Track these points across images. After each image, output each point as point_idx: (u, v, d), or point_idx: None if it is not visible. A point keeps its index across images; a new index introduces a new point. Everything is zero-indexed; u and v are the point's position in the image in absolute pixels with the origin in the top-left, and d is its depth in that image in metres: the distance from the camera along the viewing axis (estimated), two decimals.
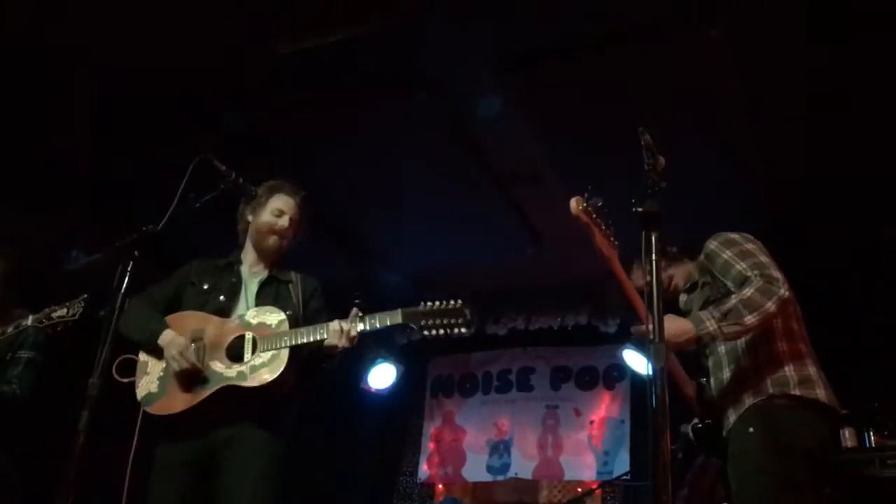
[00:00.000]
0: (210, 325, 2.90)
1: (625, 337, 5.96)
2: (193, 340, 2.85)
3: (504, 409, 6.75)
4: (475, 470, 6.62)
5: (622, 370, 6.34)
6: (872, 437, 4.62)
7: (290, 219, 3.09)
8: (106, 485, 2.92)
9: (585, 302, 6.22)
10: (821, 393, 2.50)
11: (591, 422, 6.39)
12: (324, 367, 2.91)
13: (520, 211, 5.23)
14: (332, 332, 2.73)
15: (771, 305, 2.46)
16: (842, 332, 5.26)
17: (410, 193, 5.09)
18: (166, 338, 2.85)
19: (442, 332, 2.72)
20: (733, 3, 3.46)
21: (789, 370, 2.53)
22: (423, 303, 2.76)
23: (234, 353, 2.82)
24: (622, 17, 3.59)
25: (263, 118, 4.38)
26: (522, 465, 6.46)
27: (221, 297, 2.99)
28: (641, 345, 2.87)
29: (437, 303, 2.75)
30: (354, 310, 2.79)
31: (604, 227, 2.54)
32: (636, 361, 5.92)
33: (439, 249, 5.74)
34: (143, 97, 4.15)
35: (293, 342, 2.75)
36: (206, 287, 3.04)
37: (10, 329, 3.25)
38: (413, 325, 2.72)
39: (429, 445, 6.86)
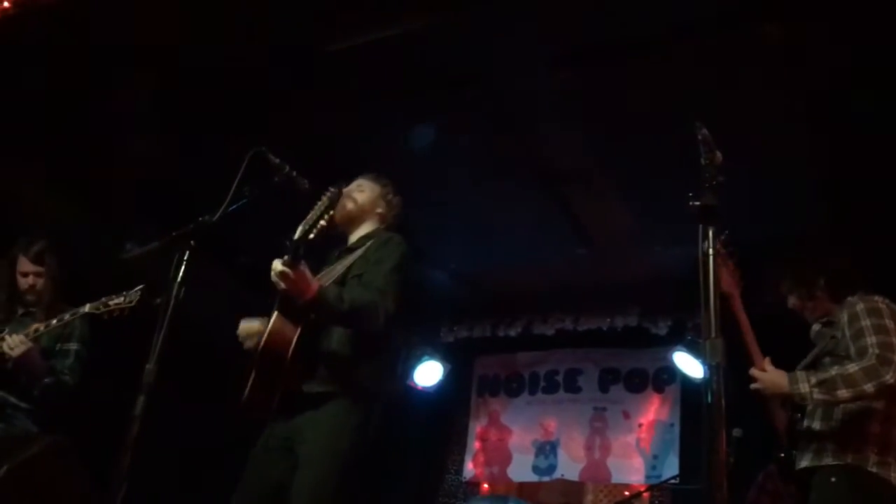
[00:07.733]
0: None
1: (675, 339, 5.88)
2: None
3: (550, 409, 6.71)
4: (521, 470, 6.60)
5: (672, 373, 6.23)
6: None
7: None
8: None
9: (635, 303, 6.13)
10: (895, 476, 2.55)
11: (640, 425, 6.30)
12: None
13: (569, 210, 5.19)
14: None
15: (869, 387, 2.52)
16: None
17: (458, 192, 5.08)
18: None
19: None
20: None
21: (871, 453, 2.61)
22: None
23: None
24: (673, 13, 3.53)
25: (309, 117, 4.41)
26: (569, 467, 6.41)
27: None
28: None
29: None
30: None
31: (732, 264, 2.89)
32: (687, 364, 5.83)
33: (487, 248, 5.72)
34: (195, 96, 4.23)
35: None
36: None
37: (66, 316, 3.37)
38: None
39: (474, 444, 6.86)
